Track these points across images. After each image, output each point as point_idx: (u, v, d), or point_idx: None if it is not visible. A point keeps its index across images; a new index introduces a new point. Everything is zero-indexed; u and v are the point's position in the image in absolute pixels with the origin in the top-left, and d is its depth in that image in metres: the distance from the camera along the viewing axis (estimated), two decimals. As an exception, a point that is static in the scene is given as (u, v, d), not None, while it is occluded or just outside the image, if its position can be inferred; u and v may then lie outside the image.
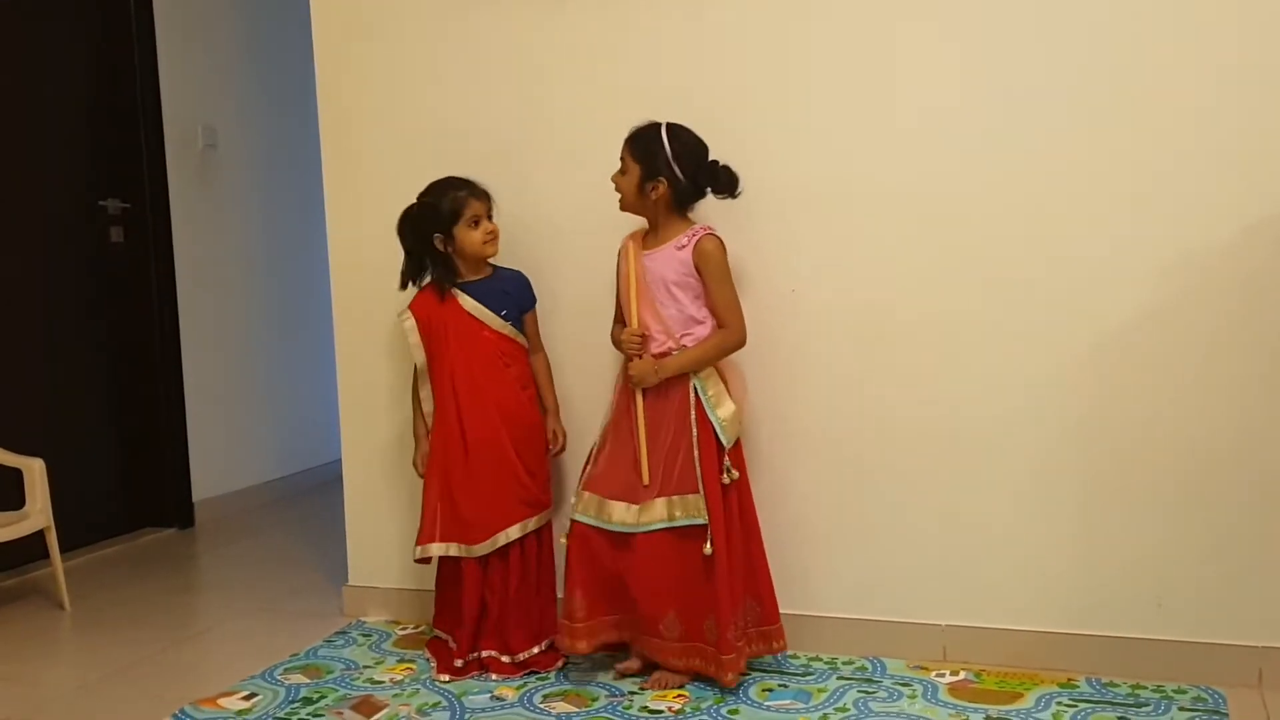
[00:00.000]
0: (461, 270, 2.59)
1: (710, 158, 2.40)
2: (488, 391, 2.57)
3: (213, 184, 4.20)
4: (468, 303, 2.57)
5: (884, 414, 2.57)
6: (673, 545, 2.39)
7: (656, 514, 2.39)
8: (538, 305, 2.69)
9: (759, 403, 2.62)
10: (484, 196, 2.57)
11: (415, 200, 2.58)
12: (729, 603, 2.37)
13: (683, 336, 2.40)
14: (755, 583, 2.47)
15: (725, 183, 2.38)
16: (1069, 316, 2.44)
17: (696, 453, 2.37)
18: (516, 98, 2.76)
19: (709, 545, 2.35)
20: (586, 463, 2.53)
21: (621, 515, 2.42)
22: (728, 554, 2.39)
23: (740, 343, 2.44)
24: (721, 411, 2.40)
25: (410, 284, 2.61)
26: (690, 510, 2.37)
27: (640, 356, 2.43)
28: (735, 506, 2.43)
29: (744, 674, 2.46)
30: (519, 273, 2.67)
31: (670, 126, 2.38)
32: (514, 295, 2.64)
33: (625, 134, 2.41)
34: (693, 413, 2.38)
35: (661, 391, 2.42)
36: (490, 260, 2.63)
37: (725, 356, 2.45)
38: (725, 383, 2.45)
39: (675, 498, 2.38)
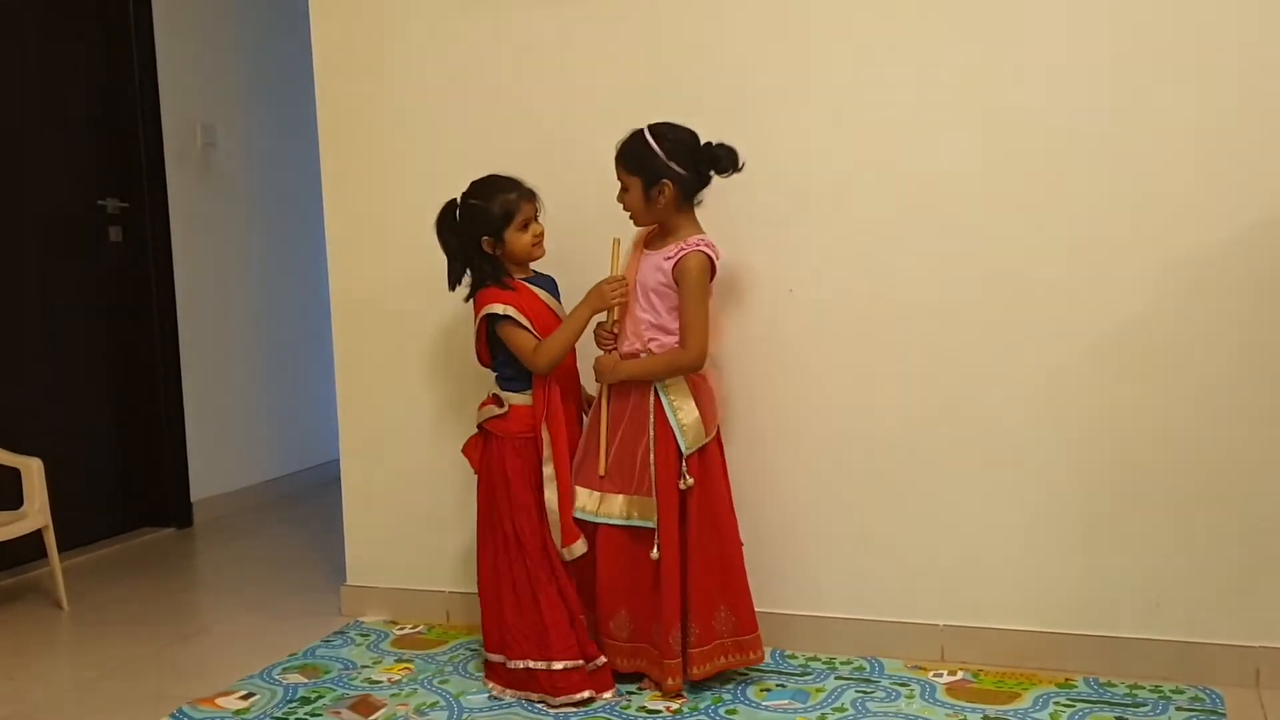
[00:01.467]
0: (511, 272, 2.49)
1: (701, 141, 2.37)
2: (572, 383, 2.54)
3: (211, 183, 4.20)
4: (543, 295, 2.50)
5: (883, 414, 2.57)
6: (628, 544, 2.41)
7: (615, 509, 2.41)
8: None
9: (756, 403, 2.62)
10: (532, 197, 2.47)
11: (460, 199, 2.47)
12: (673, 608, 2.36)
13: (649, 341, 2.40)
14: (729, 591, 2.43)
15: (725, 160, 2.35)
16: (1068, 317, 2.44)
17: (652, 456, 2.37)
18: (516, 98, 2.76)
19: (655, 550, 2.36)
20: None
21: (583, 501, 2.43)
22: (678, 560, 2.38)
23: (694, 365, 2.38)
24: (682, 417, 2.38)
25: (458, 285, 2.49)
26: (645, 512, 2.38)
27: (610, 350, 2.43)
28: (696, 512, 2.39)
29: (705, 680, 2.43)
30: (550, 276, 2.59)
31: (652, 128, 2.35)
32: (559, 292, 2.57)
33: (625, 134, 2.39)
34: (651, 415, 2.38)
35: (625, 391, 2.42)
36: (533, 269, 2.54)
37: (676, 375, 2.39)
38: (695, 388, 2.40)
39: (635, 497, 2.40)
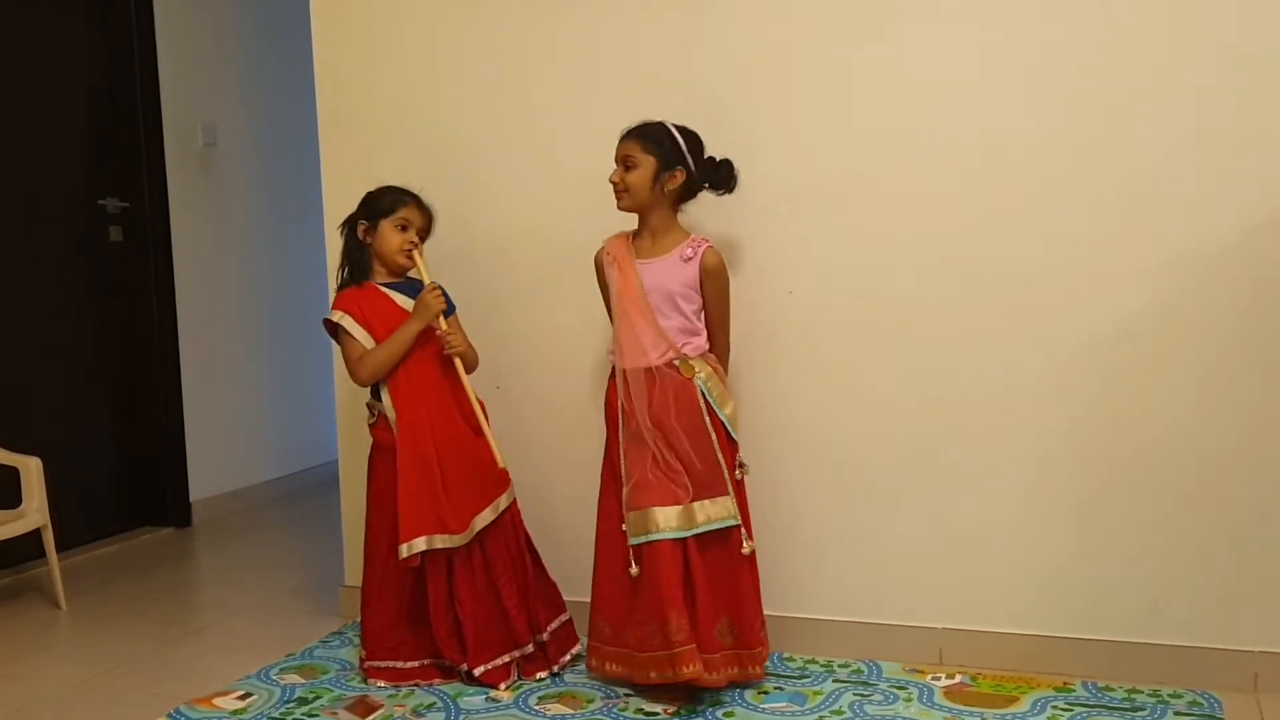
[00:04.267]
0: (376, 271, 2.56)
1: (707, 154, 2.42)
2: (430, 389, 2.52)
3: (212, 182, 4.20)
4: (400, 299, 2.53)
5: (881, 416, 2.57)
6: (694, 551, 2.35)
7: (696, 518, 2.35)
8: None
9: (756, 404, 2.62)
10: (425, 212, 2.56)
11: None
12: (755, 597, 2.42)
13: (683, 346, 2.39)
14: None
15: (726, 177, 2.41)
16: (1067, 318, 2.44)
17: (720, 455, 2.38)
18: (515, 96, 2.76)
19: (747, 544, 2.38)
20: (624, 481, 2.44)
21: (667, 519, 2.34)
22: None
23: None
24: (727, 410, 2.41)
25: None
26: (721, 512, 2.37)
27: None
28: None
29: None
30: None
31: (674, 124, 2.38)
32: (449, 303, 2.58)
33: (621, 132, 2.39)
34: (706, 416, 2.38)
35: (668, 398, 2.37)
36: (409, 276, 2.59)
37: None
38: (723, 381, 2.44)
39: (706, 501, 2.36)
